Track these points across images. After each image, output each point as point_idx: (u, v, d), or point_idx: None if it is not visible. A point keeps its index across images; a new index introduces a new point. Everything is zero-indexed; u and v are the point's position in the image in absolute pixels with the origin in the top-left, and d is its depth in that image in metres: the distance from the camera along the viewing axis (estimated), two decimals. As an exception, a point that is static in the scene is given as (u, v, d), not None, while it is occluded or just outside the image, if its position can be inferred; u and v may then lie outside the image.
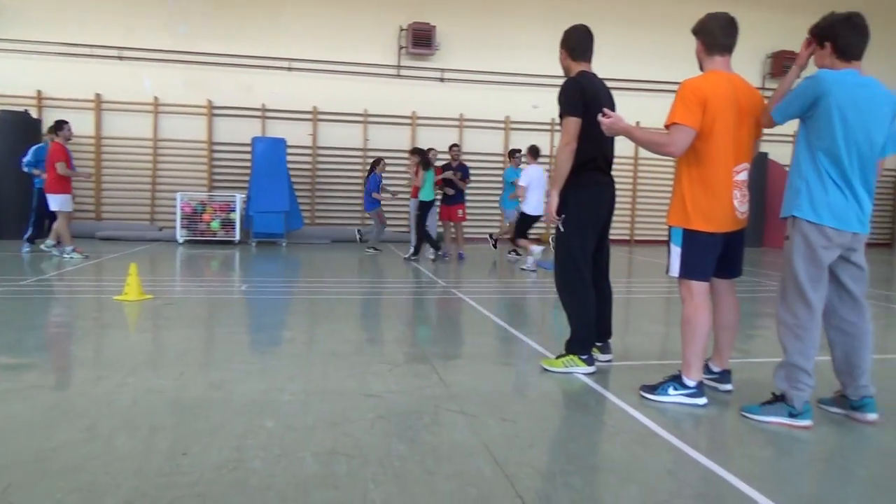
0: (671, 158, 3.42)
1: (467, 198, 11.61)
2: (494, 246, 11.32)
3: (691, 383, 3.40)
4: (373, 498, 2.29)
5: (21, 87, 13.93)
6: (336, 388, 3.59)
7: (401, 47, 15.34)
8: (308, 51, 14.95)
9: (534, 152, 10.13)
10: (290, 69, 14.98)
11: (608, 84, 4.16)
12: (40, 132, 12.73)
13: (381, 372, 3.92)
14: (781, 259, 3.24)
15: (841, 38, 3.06)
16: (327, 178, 15.37)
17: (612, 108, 3.87)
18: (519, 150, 11.39)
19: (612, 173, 4.13)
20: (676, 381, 3.44)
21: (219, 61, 14.62)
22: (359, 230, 13.25)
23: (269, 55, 14.80)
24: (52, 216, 9.80)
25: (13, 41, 13.74)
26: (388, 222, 12.79)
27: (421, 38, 15.05)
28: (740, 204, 3.37)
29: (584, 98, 3.86)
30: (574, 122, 3.85)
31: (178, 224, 13.01)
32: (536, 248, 9.43)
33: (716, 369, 3.71)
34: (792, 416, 3.10)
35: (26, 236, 10.38)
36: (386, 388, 3.61)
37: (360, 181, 15.40)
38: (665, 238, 3.53)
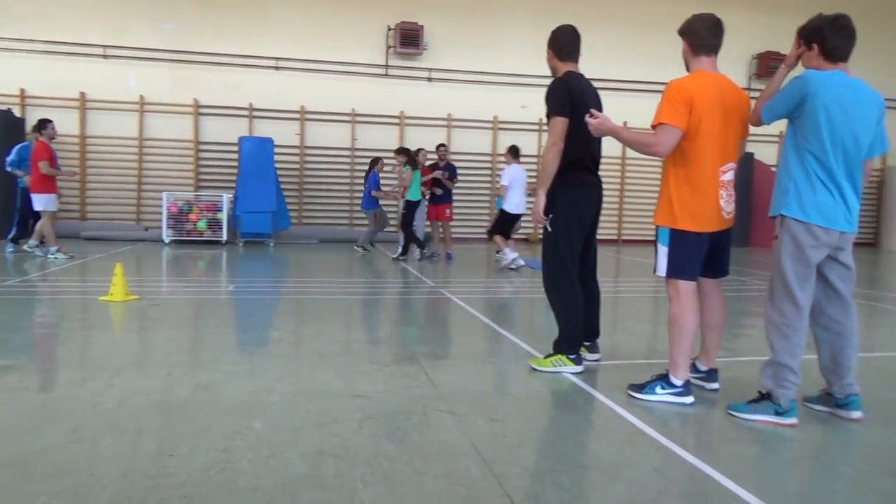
0: (658, 159, 3.44)
1: (455, 197, 11.63)
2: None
3: (678, 382, 3.42)
4: (361, 498, 2.29)
5: (4, 85, 13.80)
6: (324, 388, 3.58)
7: (388, 47, 15.32)
8: (295, 50, 14.90)
9: (514, 152, 10.26)
10: (277, 68, 14.92)
11: (595, 84, 4.18)
12: (24, 131, 12.61)
13: (369, 372, 3.91)
14: (767, 258, 3.27)
15: (828, 39, 3.09)
16: (315, 178, 15.33)
17: (599, 108, 3.89)
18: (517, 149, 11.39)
19: (600, 173, 4.15)
20: (664, 380, 3.46)
21: (205, 60, 14.54)
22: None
23: (255, 54, 14.74)
24: (37, 216, 9.69)
25: (-4, 39, 13.62)
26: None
27: (409, 38, 15.04)
28: (726, 204, 3.39)
29: (572, 98, 3.87)
30: (561, 123, 3.86)
31: (164, 224, 12.92)
32: (509, 252, 9.63)
33: (703, 368, 3.73)
34: (778, 414, 3.13)
35: (10, 236, 10.26)
36: (374, 388, 3.60)
37: (347, 181, 15.39)
38: (652, 238, 3.54)
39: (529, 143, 16.00)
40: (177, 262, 10.23)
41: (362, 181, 15.36)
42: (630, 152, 15.77)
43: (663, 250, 3.42)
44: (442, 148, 11.68)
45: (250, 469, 2.50)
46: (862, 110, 3.03)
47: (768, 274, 3.29)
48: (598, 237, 4.24)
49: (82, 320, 5.39)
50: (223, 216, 13.07)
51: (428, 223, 11.58)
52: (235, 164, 13.96)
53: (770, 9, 16.69)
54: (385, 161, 12.14)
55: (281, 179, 14.11)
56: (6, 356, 4.16)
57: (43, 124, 9.56)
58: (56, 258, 9.44)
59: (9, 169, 10.37)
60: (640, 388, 3.52)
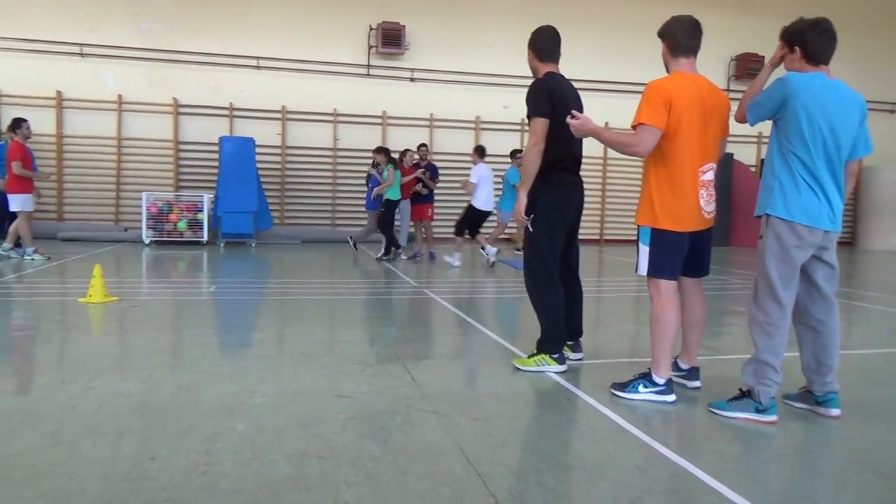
0: (640, 159, 3.46)
1: (437, 197, 11.65)
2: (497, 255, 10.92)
3: (660, 380, 3.45)
4: (345, 499, 2.28)
5: (-22, 84, 13.58)
6: (307, 389, 3.56)
7: (370, 46, 15.28)
8: (276, 49, 14.81)
9: (480, 152, 10.71)
10: (258, 67, 14.83)
11: (576, 85, 4.20)
12: (-1, 131, 12.41)
13: (353, 372, 3.89)
14: (747, 258, 3.31)
15: (810, 42, 3.14)
16: (297, 178, 15.25)
17: (580, 108, 3.91)
18: (520, 151, 11.44)
19: (582, 174, 4.17)
20: (646, 378, 3.49)
21: (184, 59, 14.41)
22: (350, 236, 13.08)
23: (236, 53, 14.63)
24: (13, 217, 9.54)
25: (-30, 37, 13.39)
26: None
27: (391, 38, 15.02)
28: (706, 203, 3.42)
29: (552, 99, 3.89)
30: (542, 123, 3.88)
31: (143, 224, 12.78)
32: (489, 247, 10.01)
33: (684, 366, 3.77)
34: (758, 411, 3.16)
35: (-15, 238, 10.09)
36: (358, 388, 3.59)
37: (330, 181, 15.33)
38: (634, 237, 3.57)
39: (511, 144, 16.04)
40: (157, 262, 10.12)
41: (345, 181, 15.38)
42: (612, 153, 15.88)
43: (644, 250, 3.45)
44: (423, 148, 11.68)
45: (233, 471, 2.48)
46: (843, 111, 3.08)
47: (748, 273, 3.34)
48: (580, 237, 4.26)
49: (60, 322, 5.31)
50: (204, 216, 12.96)
51: (411, 223, 11.58)
52: (216, 163, 13.85)
53: (749, 11, 16.90)
54: (359, 162, 12.09)
55: (262, 179, 14.02)
56: (-18, 359, 4.08)
57: (17, 124, 9.39)
58: (33, 259, 9.30)
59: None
60: (622, 386, 3.54)
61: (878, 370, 4.45)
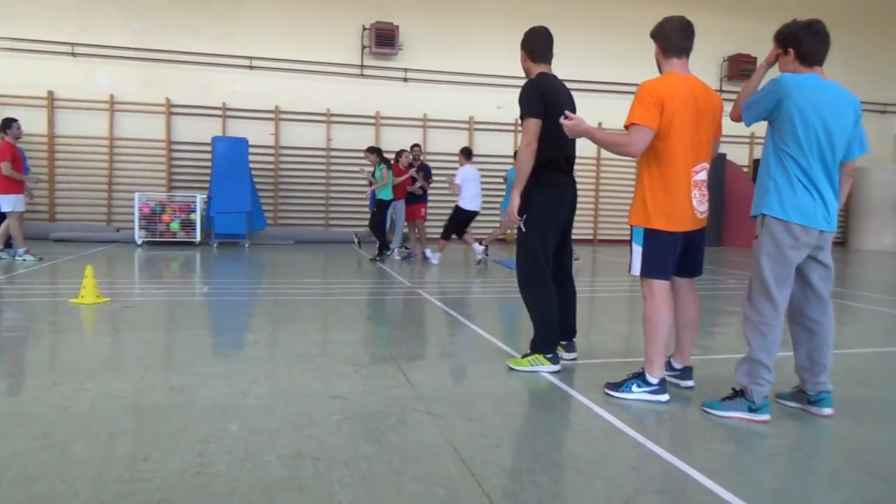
0: (633, 159, 3.47)
1: (430, 198, 11.67)
2: (486, 252, 10.99)
3: (654, 380, 3.46)
4: (339, 500, 2.27)
5: (-31, 83, 13.49)
6: (301, 390, 3.55)
7: (364, 47, 15.27)
8: (269, 49, 14.78)
9: (466, 153, 10.75)
10: (251, 67, 14.79)
11: (569, 85, 4.21)
12: (-10, 131, 12.32)
13: (347, 373, 3.89)
14: (740, 258, 3.32)
15: (803, 44, 3.16)
16: (290, 179, 15.22)
17: (573, 109, 3.91)
18: None
19: (575, 174, 4.18)
20: (640, 378, 3.49)
21: (177, 59, 14.36)
22: (356, 234, 13.09)
23: (229, 53, 14.59)
24: (3, 217, 9.47)
25: (-39, 36, 13.31)
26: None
27: (384, 38, 15.01)
28: (699, 203, 3.43)
29: (545, 99, 3.90)
30: (534, 124, 3.88)
31: (136, 225, 12.73)
32: (477, 246, 10.30)
33: (677, 366, 3.78)
34: (751, 410, 3.18)
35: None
36: (352, 389, 3.58)
37: (323, 181, 15.31)
38: (628, 237, 3.58)
39: (505, 144, 16.06)
40: (149, 263, 10.08)
41: (338, 181, 15.36)
42: (605, 153, 15.92)
43: (638, 250, 3.46)
44: (416, 148, 11.68)
45: (227, 472, 2.47)
46: (837, 112, 3.09)
47: (741, 273, 3.36)
48: (574, 237, 4.27)
49: (52, 323, 5.28)
50: (197, 217, 12.91)
51: (405, 224, 11.58)
52: (209, 164, 13.81)
53: (741, 12, 16.97)
54: (351, 162, 12.11)
55: (256, 180, 13.99)
56: (-27, 360, 4.06)
57: (7, 123, 9.33)
58: (24, 260, 9.25)
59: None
60: (616, 386, 3.55)
61: (870, 369, 4.48)
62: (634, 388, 3.49)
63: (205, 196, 13.29)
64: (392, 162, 10.98)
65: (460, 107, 15.87)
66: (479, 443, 2.84)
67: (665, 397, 3.45)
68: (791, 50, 3.20)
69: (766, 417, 3.17)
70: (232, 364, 4.10)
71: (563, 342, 4.21)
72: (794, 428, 3.18)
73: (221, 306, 6.51)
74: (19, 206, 9.29)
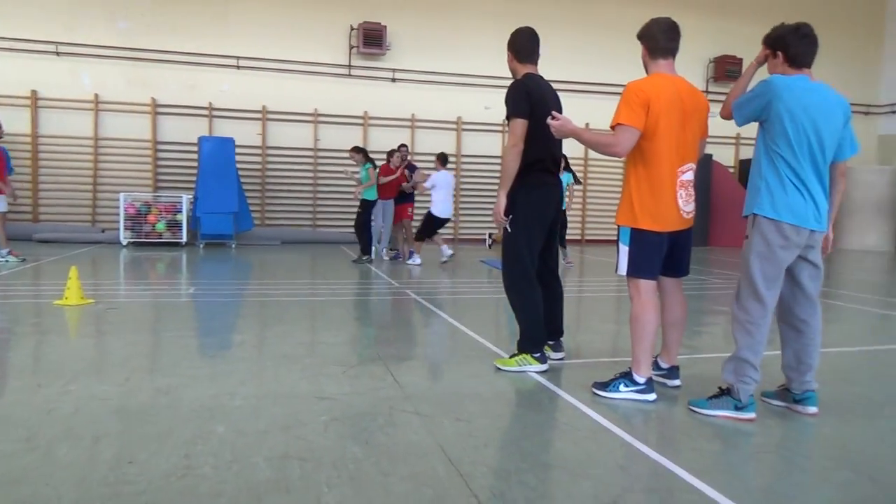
0: (620, 160, 3.49)
1: (416, 198, 11.65)
2: (490, 247, 11.26)
3: (641, 380, 3.47)
4: (327, 501, 2.26)
5: (-49, 82, 13.33)
6: (288, 391, 3.54)
7: (352, 47, 15.24)
8: (257, 49, 14.72)
9: (442, 159, 10.83)
10: (238, 67, 14.72)
11: (555, 86, 4.22)
12: (-28, 130, 12.18)
13: (335, 374, 3.88)
14: (726, 258, 3.34)
15: (791, 47, 3.19)
16: (277, 179, 15.15)
17: (559, 109, 3.92)
18: None
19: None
20: (627, 377, 3.51)
21: (163, 58, 14.26)
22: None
23: (216, 52, 14.51)
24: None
25: (-58, 35, 13.15)
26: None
27: (372, 38, 14.99)
28: (685, 203, 3.45)
29: (531, 100, 3.90)
30: (520, 124, 3.89)
31: (121, 226, 12.63)
32: (445, 248, 10.47)
33: (664, 365, 3.79)
34: (737, 408, 3.20)
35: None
36: (339, 390, 3.57)
37: (310, 182, 15.26)
38: (615, 237, 3.59)
39: (493, 144, 16.09)
40: (135, 264, 10.01)
41: (326, 182, 15.31)
42: (592, 153, 15.98)
43: (624, 250, 3.47)
44: (403, 148, 11.67)
45: (213, 474, 2.45)
46: (826, 113, 3.12)
47: (728, 273, 3.38)
48: (568, 238, 4.27)
49: (36, 325, 5.22)
50: (183, 217, 12.83)
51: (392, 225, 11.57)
52: (195, 164, 13.72)
53: (727, 14, 17.10)
54: (338, 162, 12.07)
55: (243, 180, 13.93)
56: (-45, 363, 4.01)
57: (-10, 123, 9.26)
58: (7, 261, 9.15)
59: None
60: (603, 386, 3.56)
61: (856, 368, 4.52)
62: (622, 387, 3.50)
63: (191, 196, 13.21)
64: (385, 162, 10.97)
65: (448, 107, 15.87)
66: (466, 443, 2.84)
67: (652, 396, 3.47)
68: (779, 53, 3.24)
69: (752, 416, 3.19)
70: (218, 365, 4.07)
71: (550, 342, 4.22)
72: (779, 426, 3.20)
73: (208, 307, 6.47)
74: (2, 206, 9.19)
